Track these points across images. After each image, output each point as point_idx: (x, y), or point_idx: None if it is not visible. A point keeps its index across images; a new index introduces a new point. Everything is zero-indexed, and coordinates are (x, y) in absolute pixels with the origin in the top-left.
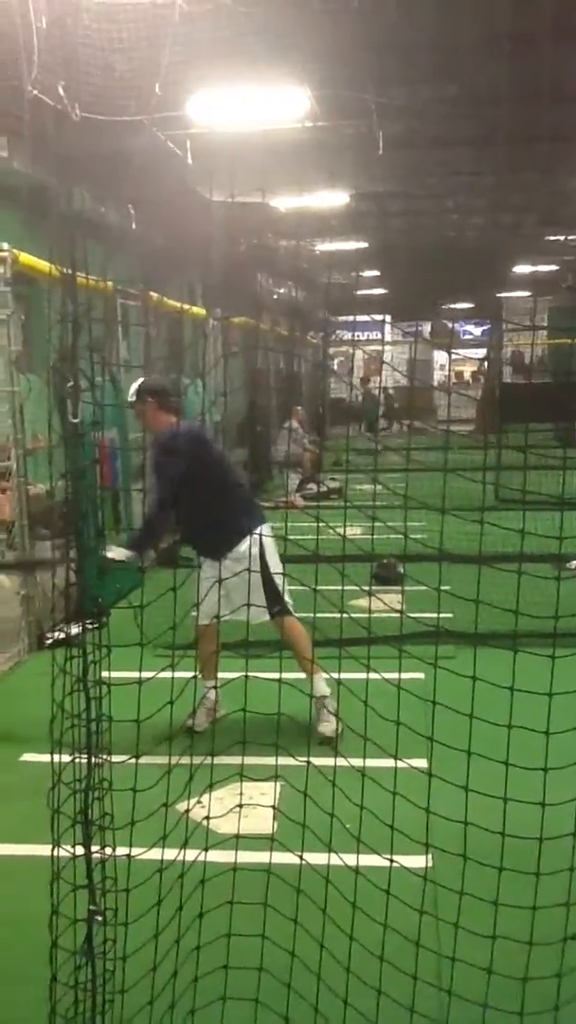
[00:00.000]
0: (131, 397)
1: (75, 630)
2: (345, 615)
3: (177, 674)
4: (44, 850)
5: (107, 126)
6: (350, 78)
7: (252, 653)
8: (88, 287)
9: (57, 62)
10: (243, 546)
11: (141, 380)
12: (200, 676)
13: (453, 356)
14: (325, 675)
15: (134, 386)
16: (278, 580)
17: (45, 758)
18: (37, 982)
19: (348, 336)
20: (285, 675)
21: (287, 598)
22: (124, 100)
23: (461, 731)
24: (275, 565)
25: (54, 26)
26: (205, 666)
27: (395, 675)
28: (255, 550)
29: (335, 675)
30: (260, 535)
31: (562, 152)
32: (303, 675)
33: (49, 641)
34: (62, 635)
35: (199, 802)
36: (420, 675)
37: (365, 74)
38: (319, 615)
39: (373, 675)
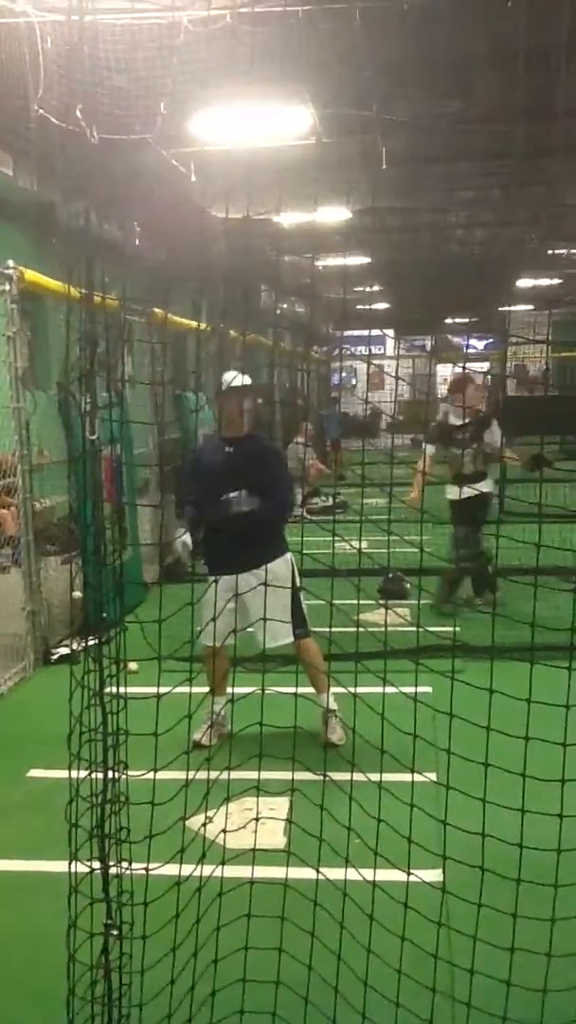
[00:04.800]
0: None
1: (81, 645)
2: (358, 629)
3: (193, 689)
4: (54, 865)
5: (113, 144)
6: (354, 95)
7: (267, 668)
8: (98, 305)
9: (64, 83)
10: (275, 563)
11: (239, 375)
12: (211, 692)
13: (456, 369)
14: (338, 689)
15: (239, 377)
16: (302, 601)
17: (52, 773)
18: (53, 997)
19: (353, 351)
20: (300, 690)
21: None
22: (129, 119)
23: (470, 743)
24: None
25: (62, 47)
26: (217, 683)
27: (403, 688)
28: (286, 570)
29: (350, 689)
30: (291, 555)
31: (565, 166)
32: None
33: (55, 656)
34: (68, 650)
35: (209, 818)
36: (428, 688)
37: (369, 91)
38: (329, 628)
39: (381, 689)
